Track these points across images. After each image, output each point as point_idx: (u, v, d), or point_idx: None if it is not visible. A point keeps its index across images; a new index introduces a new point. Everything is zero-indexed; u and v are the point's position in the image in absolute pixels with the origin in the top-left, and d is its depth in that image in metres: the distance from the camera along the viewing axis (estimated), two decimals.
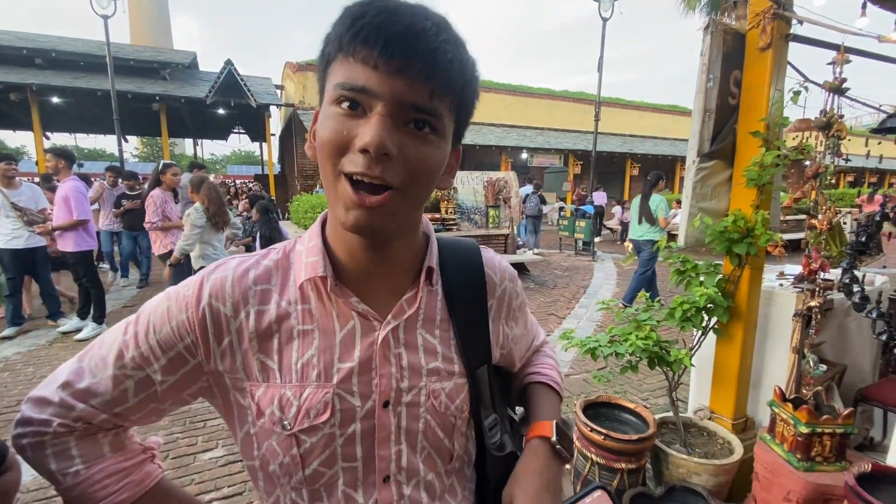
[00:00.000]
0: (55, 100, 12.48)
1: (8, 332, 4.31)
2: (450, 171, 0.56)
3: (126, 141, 16.77)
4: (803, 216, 1.82)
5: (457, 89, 0.48)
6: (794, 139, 1.83)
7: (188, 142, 24.54)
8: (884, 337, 1.71)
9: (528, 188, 10.40)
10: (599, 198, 13.15)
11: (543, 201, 10.44)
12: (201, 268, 3.32)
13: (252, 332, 0.54)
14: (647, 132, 20.34)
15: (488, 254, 0.69)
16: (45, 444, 0.54)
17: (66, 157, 4.22)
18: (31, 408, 0.55)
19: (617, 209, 13.03)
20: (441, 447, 0.60)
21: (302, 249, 0.58)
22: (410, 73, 0.44)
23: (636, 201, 5.36)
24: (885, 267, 2.19)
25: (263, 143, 17.52)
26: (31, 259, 4.28)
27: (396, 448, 0.57)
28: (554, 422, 0.65)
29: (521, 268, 7.65)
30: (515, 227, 8.13)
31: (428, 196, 0.53)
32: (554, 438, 0.63)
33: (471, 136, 15.49)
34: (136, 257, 6.40)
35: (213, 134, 20.12)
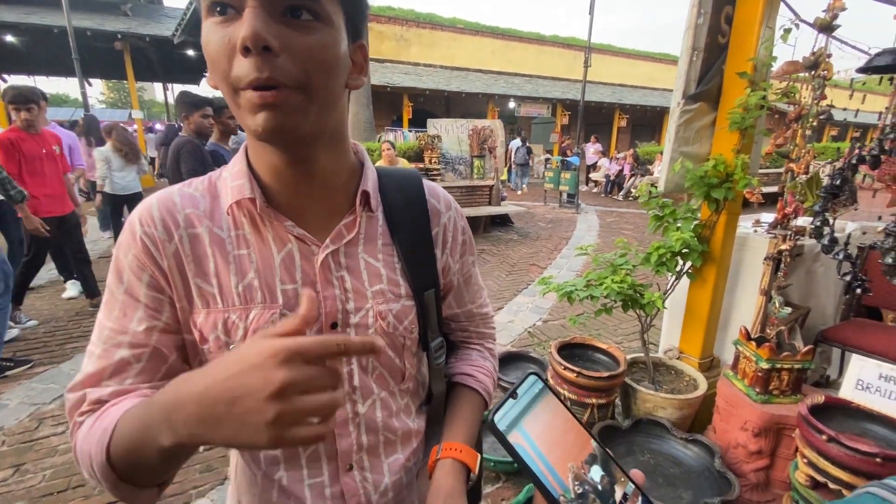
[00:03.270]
0: (9, 38, 11.50)
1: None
2: (359, 70, 0.53)
3: (90, 84, 15.72)
4: (780, 170, 1.82)
5: None
6: (780, 84, 1.79)
7: (158, 86, 23.10)
8: (848, 278, 1.77)
9: (517, 141, 11.85)
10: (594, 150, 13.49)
11: (530, 152, 12.18)
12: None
13: (188, 256, 0.53)
14: (637, 82, 19.78)
15: (431, 184, 0.68)
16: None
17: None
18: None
19: (604, 161, 12.91)
20: (392, 367, 0.61)
21: (227, 176, 0.55)
22: None
23: None
24: (856, 209, 2.24)
25: None
26: None
27: (347, 368, 0.57)
28: (480, 458, 0.63)
29: (504, 219, 7.64)
30: (504, 175, 8.04)
31: (337, 94, 0.49)
32: (474, 475, 0.60)
33: (456, 84, 14.91)
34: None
35: (182, 77, 18.77)
